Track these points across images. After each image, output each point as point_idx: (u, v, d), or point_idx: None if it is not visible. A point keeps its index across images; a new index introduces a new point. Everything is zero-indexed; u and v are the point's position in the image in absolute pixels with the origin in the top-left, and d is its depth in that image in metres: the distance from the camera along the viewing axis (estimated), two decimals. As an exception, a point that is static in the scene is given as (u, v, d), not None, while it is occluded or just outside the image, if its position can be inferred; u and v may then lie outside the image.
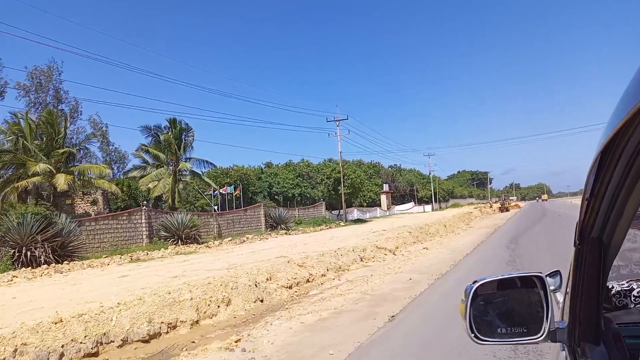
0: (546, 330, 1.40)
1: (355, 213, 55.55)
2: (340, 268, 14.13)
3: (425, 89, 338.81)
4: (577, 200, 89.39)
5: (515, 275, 1.50)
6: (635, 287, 1.76)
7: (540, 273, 1.46)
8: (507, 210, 62.33)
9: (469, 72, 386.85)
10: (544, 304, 1.42)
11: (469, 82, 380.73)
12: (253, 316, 8.85)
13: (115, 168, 49.54)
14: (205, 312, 8.53)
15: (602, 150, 0.91)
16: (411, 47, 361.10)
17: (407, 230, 24.94)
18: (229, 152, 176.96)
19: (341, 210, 46.87)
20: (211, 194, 43.79)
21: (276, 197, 58.42)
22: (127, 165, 49.22)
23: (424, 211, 79.75)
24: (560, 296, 1.78)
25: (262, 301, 9.89)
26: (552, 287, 1.60)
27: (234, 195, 44.23)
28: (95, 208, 31.40)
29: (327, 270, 13.48)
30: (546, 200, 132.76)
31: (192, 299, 8.55)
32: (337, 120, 46.22)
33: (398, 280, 11.38)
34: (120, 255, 20.45)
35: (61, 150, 24.62)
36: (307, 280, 12.20)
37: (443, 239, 23.97)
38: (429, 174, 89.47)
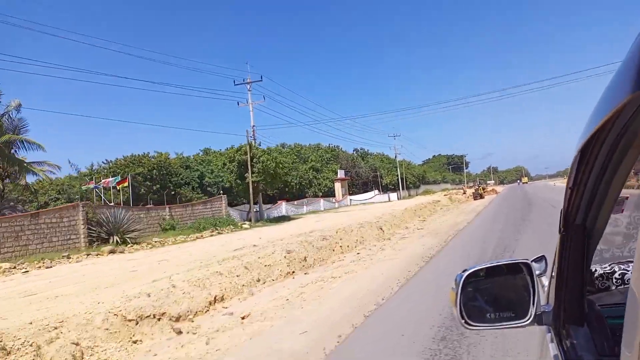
0: (533, 314, 1.44)
1: (283, 207, 43.54)
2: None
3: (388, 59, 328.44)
4: (559, 182, 77.59)
5: (503, 263, 1.55)
6: (616, 269, 1.82)
7: (527, 260, 1.51)
8: (482, 197, 51.34)
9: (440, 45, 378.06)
10: (531, 289, 1.46)
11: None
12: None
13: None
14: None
15: (585, 144, 0.94)
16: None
17: (304, 241, 13.39)
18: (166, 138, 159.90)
19: (256, 205, 34.99)
20: (90, 187, 32.16)
21: (209, 188, 46.63)
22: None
23: (389, 200, 68.60)
24: (545, 280, 1.82)
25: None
26: (537, 272, 1.66)
27: (118, 187, 32.39)
28: None
29: None
30: (526, 183, 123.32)
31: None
32: (247, 83, 34.12)
33: None
34: None
35: None
36: None
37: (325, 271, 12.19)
38: (395, 157, 78.21)
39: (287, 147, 77.72)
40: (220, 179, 46.25)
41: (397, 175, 76.18)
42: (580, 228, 1.22)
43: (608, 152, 0.90)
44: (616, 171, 0.93)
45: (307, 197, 66.04)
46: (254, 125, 33.88)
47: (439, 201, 48.76)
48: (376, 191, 72.76)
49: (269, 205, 44.25)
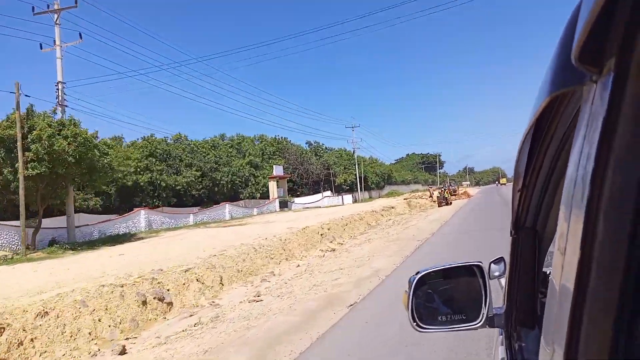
0: (484, 316, 1.44)
1: (141, 218, 29.94)
2: None
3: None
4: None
5: (456, 265, 1.55)
6: None
7: (480, 262, 1.51)
8: (448, 203, 39.77)
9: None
10: (483, 291, 1.47)
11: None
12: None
13: None
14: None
15: (530, 145, 0.95)
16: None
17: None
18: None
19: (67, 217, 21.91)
20: None
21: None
22: None
23: (342, 204, 56.80)
24: (504, 282, 1.74)
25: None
26: (496, 273, 1.81)
27: None
28: None
29: None
30: (505, 184, 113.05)
31: None
32: (54, 11, 21.14)
33: None
34: None
35: None
36: None
37: None
38: (353, 152, 66.24)
39: (227, 138, 65.30)
40: (124, 174, 33.61)
41: (356, 174, 64.36)
42: (530, 231, 1.24)
43: (556, 149, 0.89)
44: (564, 173, 0.89)
45: (241, 198, 53.70)
46: (60, 82, 20.78)
47: (393, 207, 37.18)
48: (328, 192, 60.86)
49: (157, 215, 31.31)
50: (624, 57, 0.43)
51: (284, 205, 48.91)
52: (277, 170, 49.37)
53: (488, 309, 1.45)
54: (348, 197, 60.37)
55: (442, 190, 38.77)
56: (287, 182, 61.76)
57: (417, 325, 1.49)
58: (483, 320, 1.44)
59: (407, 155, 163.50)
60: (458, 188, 60.00)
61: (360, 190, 68.06)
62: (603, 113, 0.46)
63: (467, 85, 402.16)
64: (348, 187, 64.27)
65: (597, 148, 0.46)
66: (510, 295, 1.36)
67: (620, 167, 0.43)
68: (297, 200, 58.30)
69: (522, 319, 1.31)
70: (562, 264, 0.58)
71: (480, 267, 1.50)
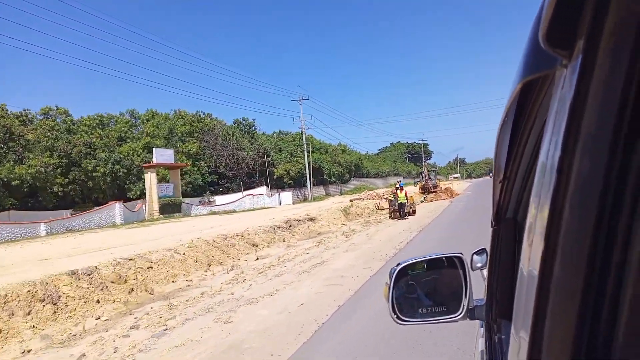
0: (465, 308, 1.43)
1: None
2: None
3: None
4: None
5: (437, 256, 1.53)
6: None
7: (460, 254, 1.49)
8: (411, 212, 22.55)
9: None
10: (463, 283, 1.44)
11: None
12: None
13: None
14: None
15: (511, 134, 0.94)
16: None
17: None
18: None
19: None
20: None
21: None
22: None
23: (280, 204, 40.40)
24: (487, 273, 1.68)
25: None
26: (479, 265, 1.80)
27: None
28: None
29: None
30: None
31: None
32: None
33: None
34: None
35: None
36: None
37: None
38: (302, 133, 49.20)
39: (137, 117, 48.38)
40: None
41: (305, 164, 47.60)
42: (511, 222, 1.23)
43: (537, 138, 0.87)
44: None
45: (130, 198, 37.04)
46: None
47: (313, 220, 20.73)
48: (262, 189, 44.24)
49: None
50: (593, 39, 0.41)
51: (172, 209, 32.10)
52: (161, 156, 32.43)
53: (469, 301, 1.43)
54: (287, 195, 43.74)
55: (396, 192, 21.83)
56: (211, 175, 45.06)
57: (397, 317, 1.47)
58: (464, 312, 1.43)
59: (392, 144, 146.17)
60: (439, 182, 43.55)
61: (312, 184, 51.50)
62: (570, 99, 0.44)
63: (461, 73, 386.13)
64: (291, 181, 47.51)
65: (564, 135, 0.45)
66: (490, 287, 1.35)
67: (586, 156, 0.42)
68: (220, 199, 41.69)
69: (502, 311, 1.29)
70: (529, 253, 0.57)
71: (460, 259, 1.48)
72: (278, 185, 47.37)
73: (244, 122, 50.02)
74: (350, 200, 29.90)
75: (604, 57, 0.40)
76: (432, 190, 39.40)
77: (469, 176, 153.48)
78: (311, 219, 20.95)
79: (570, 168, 0.43)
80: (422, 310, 1.49)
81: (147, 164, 32.42)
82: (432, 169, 47.47)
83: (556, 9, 0.44)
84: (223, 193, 44.59)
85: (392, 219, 21.19)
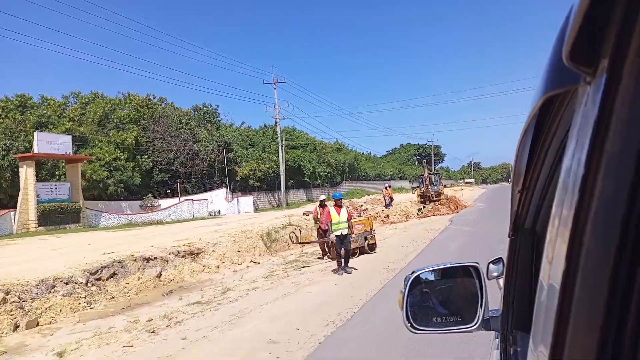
0: (480, 319, 1.41)
1: None
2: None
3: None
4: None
5: (452, 265, 1.53)
6: None
7: (477, 263, 1.48)
8: (366, 250, 12.70)
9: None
10: (479, 293, 1.43)
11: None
12: None
13: None
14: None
15: (531, 144, 0.94)
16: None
17: None
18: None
19: None
20: None
21: None
22: None
23: (238, 212, 31.36)
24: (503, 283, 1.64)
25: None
26: (495, 274, 1.75)
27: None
28: None
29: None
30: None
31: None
32: None
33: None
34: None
35: None
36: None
37: None
38: (275, 124, 39.86)
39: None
40: None
41: (280, 161, 38.35)
42: (529, 232, 1.21)
43: (557, 149, 0.86)
44: None
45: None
46: None
47: (198, 255, 10.90)
48: (220, 191, 35.17)
49: None
50: (618, 58, 0.41)
51: (63, 219, 23.09)
52: (48, 144, 23.29)
53: (484, 311, 1.42)
54: (247, 201, 34.53)
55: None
56: (161, 173, 36.14)
57: (412, 325, 1.45)
58: (479, 322, 1.41)
59: (401, 145, 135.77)
60: (444, 189, 33.89)
61: (290, 187, 42.21)
62: (594, 116, 0.44)
63: (478, 74, 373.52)
64: (259, 183, 38.15)
65: (588, 153, 0.44)
66: (507, 298, 1.34)
67: (610, 174, 0.41)
68: (168, 204, 32.73)
69: (518, 322, 1.27)
70: (549, 269, 0.57)
71: (476, 268, 1.47)
72: (244, 187, 38.21)
73: (204, 108, 40.81)
74: (304, 214, 20.58)
75: (629, 78, 0.39)
76: (434, 199, 30.02)
77: (484, 181, 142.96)
78: (194, 254, 11.73)
79: (594, 188, 0.42)
80: (437, 320, 1.46)
81: (24, 155, 23.39)
82: (436, 172, 37.62)
83: (581, 27, 0.43)
84: (173, 196, 35.62)
85: (323, 257, 11.80)
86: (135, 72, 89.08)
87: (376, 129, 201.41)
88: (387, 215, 24.89)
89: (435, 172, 38.92)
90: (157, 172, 37.01)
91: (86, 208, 24.93)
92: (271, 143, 41.48)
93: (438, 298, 1.52)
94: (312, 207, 26.84)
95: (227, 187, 35.97)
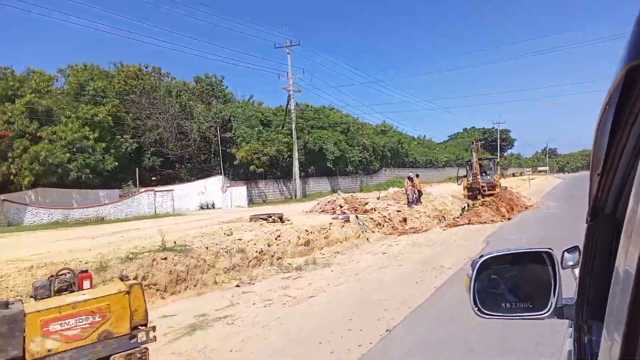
0: (553, 306, 1.38)
1: None
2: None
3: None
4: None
5: (524, 251, 1.50)
6: None
7: (550, 249, 1.44)
8: None
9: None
10: (552, 280, 1.40)
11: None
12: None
13: None
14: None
15: (612, 123, 0.86)
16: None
17: None
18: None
19: None
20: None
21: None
22: None
23: (228, 207, 24.76)
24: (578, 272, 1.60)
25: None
26: (570, 263, 1.66)
27: None
28: None
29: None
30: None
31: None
32: None
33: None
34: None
35: None
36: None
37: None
38: (289, 98, 32.36)
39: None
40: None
41: (295, 141, 31.10)
42: (609, 218, 1.15)
43: (639, 134, 0.79)
44: None
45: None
46: None
47: None
48: (216, 178, 28.59)
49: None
50: None
51: None
52: None
53: (557, 298, 1.38)
54: (240, 192, 27.62)
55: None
56: (152, 157, 30.21)
57: (479, 310, 1.43)
58: (551, 310, 1.38)
59: (465, 130, 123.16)
60: (498, 179, 25.17)
61: (310, 175, 34.87)
62: None
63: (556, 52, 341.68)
64: (262, 169, 30.97)
65: None
66: (582, 286, 1.30)
67: None
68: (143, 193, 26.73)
69: (593, 312, 1.22)
70: (626, 253, 0.55)
71: (550, 254, 1.42)
72: (247, 174, 31.28)
73: (206, 79, 34.10)
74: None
75: None
76: (487, 193, 21.86)
77: (561, 170, 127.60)
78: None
79: None
80: (506, 305, 1.43)
81: None
82: (489, 157, 28.25)
83: None
84: (162, 183, 29.51)
85: None
86: (126, 37, 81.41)
87: (433, 109, 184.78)
88: (405, 219, 16.88)
89: (489, 157, 29.57)
90: (149, 155, 31.10)
91: (3, 201, 19.08)
92: (289, 122, 34.14)
93: (507, 284, 1.47)
94: (332, 198, 18.99)
95: (222, 174, 29.19)
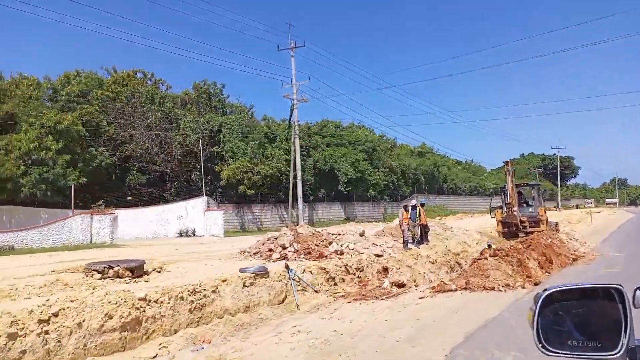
0: (624, 347, 1.30)
1: None
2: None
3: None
4: None
5: (591, 286, 1.42)
6: None
7: (620, 285, 1.37)
8: None
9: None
10: (622, 318, 1.33)
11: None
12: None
13: None
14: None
15: None
16: None
17: None
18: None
19: None
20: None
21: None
22: None
23: (217, 235, 20.14)
24: None
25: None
26: None
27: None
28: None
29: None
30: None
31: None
32: None
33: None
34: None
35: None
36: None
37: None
38: (292, 107, 27.74)
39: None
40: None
41: (293, 159, 26.31)
42: None
43: None
44: None
45: None
46: None
47: None
48: (199, 200, 24.14)
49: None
50: None
51: None
52: None
53: (629, 339, 1.30)
54: (216, 217, 22.81)
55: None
56: (138, 174, 26.41)
57: (543, 346, 1.37)
58: (622, 350, 1.30)
59: (522, 156, 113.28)
60: (544, 212, 19.03)
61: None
62: None
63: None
64: (253, 191, 26.16)
65: None
66: None
67: None
68: (127, 215, 22.88)
69: None
70: None
71: (620, 291, 1.35)
72: (241, 196, 26.57)
73: (204, 87, 29.97)
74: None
75: None
76: (528, 230, 16.96)
77: (633, 203, 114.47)
78: None
79: None
80: (572, 342, 1.37)
81: None
82: (532, 183, 21.25)
83: None
84: (149, 203, 25.49)
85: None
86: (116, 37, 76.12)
87: (483, 130, 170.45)
88: (385, 268, 11.35)
89: (531, 182, 22.99)
90: (135, 172, 27.30)
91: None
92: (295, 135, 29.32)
93: (573, 320, 1.40)
94: (276, 234, 13.62)
95: (205, 195, 24.64)
